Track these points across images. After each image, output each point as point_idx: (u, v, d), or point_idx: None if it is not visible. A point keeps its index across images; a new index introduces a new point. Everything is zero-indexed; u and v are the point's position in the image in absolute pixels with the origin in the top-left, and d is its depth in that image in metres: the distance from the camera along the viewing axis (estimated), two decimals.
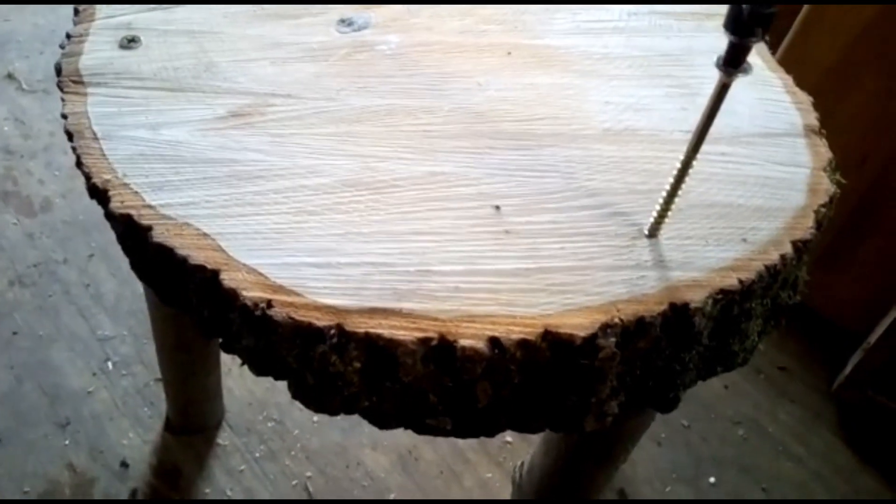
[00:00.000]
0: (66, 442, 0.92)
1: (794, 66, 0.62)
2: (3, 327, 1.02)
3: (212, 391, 0.92)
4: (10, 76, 1.38)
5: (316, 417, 0.97)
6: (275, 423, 0.96)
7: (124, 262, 1.11)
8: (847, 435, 1.02)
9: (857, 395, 1.03)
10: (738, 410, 1.03)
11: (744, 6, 0.32)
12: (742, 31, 0.33)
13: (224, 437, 0.95)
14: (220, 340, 0.48)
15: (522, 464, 0.85)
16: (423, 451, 0.94)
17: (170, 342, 0.81)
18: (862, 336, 1.01)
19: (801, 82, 0.59)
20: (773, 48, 0.65)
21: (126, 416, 0.95)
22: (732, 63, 0.35)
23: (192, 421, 0.93)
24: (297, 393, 0.45)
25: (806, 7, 0.88)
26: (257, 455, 0.93)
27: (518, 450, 0.95)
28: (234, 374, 1.00)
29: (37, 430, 0.92)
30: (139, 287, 1.08)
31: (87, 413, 0.95)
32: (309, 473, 0.92)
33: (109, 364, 1.00)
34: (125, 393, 0.97)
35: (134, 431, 0.94)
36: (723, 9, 0.66)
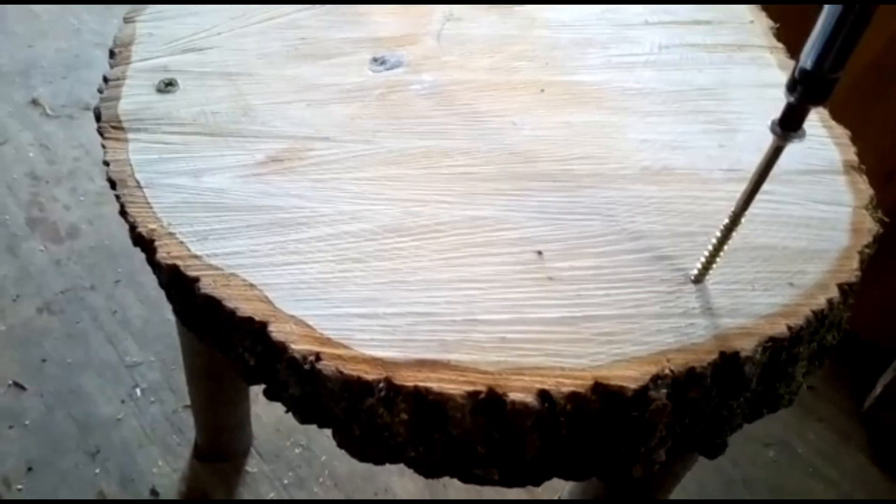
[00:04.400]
0: (97, 471, 0.93)
1: None
2: (32, 355, 1.03)
3: (241, 418, 0.92)
4: (34, 102, 1.40)
5: None
6: (302, 449, 0.96)
7: (151, 287, 1.12)
8: (878, 456, 1.01)
9: (888, 415, 1.01)
10: (768, 432, 1.02)
11: (809, 70, 0.32)
12: (804, 96, 0.33)
13: (252, 464, 0.95)
14: (265, 388, 0.48)
15: (559, 499, 0.85)
16: (450, 480, 0.94)
17: (200, 371, 0.82)
18: (893, 353, 1.00)
19: None
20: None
21: (155, 443, 0.96)
22: (788, 126, 0.35)
23: (221, 448, 0.94)
24: (343, 442, 0.45)
25: None
26: (286, 482, 0.93)
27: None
28: (261, 401, 1.00)
29: (68, 459, 0.93)
30: (166, 312, 1.09)
31: (116, 441, 0.95)
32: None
33: (138, 391, 1.01)
34: (154, 420, 0.98)
35: (163, 459, 0.94)
36: (737, 14, 0.66)
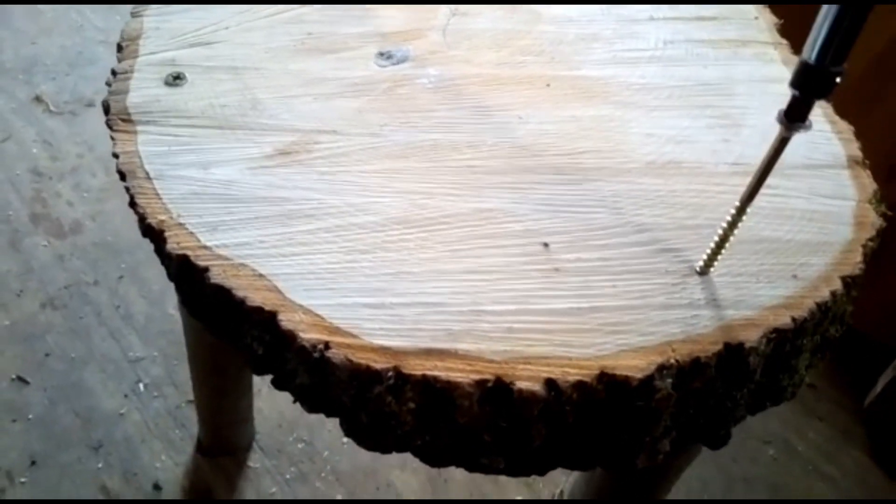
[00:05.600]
0: (100, 465, 0.93)
1: None
2: (36, 349, 1.03)
3: (244, 413, 0.92)
4: (37, 98, 1.40)
5: (345, 438, 0.97)
6: (305, 445, 0.97)
7: (154, 283, 1.13)
8: (878, 454, 1.01)
9: (889, 413, 1.02)
10: (768, 429, 1.02)
11: (812, 64, 0.32)
12: (808, 89, 0.34)
13: (255, 459, 0.95)
14: (272, 378, 0.48)
15: (562, 492, 0.85)
16: (452, 473, 0.94)
17: (204, 365, 0.82)
18: (893, 351, 1.00)
19: None
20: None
21: (158, 438, 0.96)
22: (794, 117, 0.35)
23: (223, 443, 0.94)
24: (350, 431, 0.46)
25: None
26: (288, 477, 0.94)
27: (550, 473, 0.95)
28: (263, 395, 1.00)
29: (70, 453, 0.93)
30: (169, 308, 1.09)
31: (119, 435, 0.96)
32: (339, 495, 0.92)
33: (141, 386, 1.01)
34: (157, 415, 0.98)
35: (166, 454, 0.95)
36: (741, 10, 0.66)
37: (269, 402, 1.00)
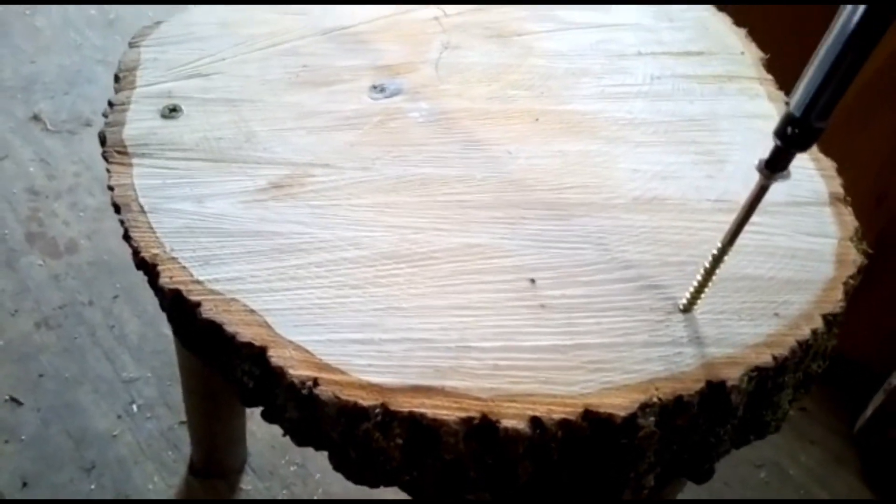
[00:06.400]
0: (92, 486, 0.93)
1: None
2: (30, 369, 1.04)
3: (236, 436, 0.93)
4: (35, 117, 1.41)
5: None
6: (297, 467, 0.97)
7: (148, 303, 1.13)
8: (869, 477, 1.01)
9: (880, 437, 1.02)
10: (759, 453, 1.03)
11: (796, 118, 0.33)
12: (790, 142, 0.35)
13: (247, 482, 0.95)
14: (262, 410, 0.49)
15: None
16: None
17: (197, 388, 0.82)
18: (883, 375, 1.01)
19: None
20: (788, 90, 0.66)
21: (151, 459, 0.96)
22: (774, 167, 0.36)
23: (216, 465, 0.94)
24: (339, 465, 0.46)
25: None
26: (280, 499, 0.94)
27: None
28: (256, 418, 1.00)
29: (63, 474, 0.93)
30: (163, 328, 1.09)
31: (112, 456, 0.96)
32: None
33: (134, 407, 1.01)
34: (150, 436, 0.98)
35: (158, 475, 0.95)
36: (728, 45, 0.68)
37: (261, 424, 1.00)
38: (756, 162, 0.38)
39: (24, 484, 0.92)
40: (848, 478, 1.01)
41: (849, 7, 0.31)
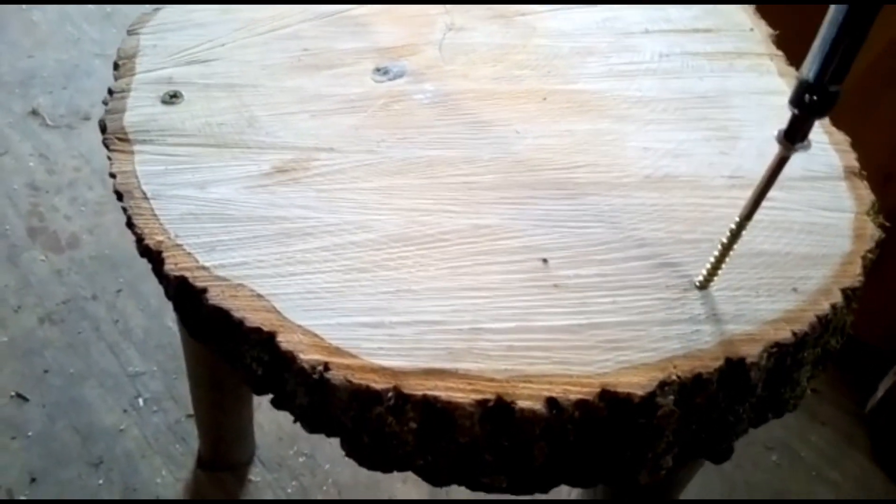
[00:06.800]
0: (100, 481, 0.92)
1: None
2: (34, 365, 1.03)
3: (244, 427, 0.92)
4: (34, 112, 1.40)
5: None
6: (306, 458, 0.96)
7: (152, 296, 1.12)
8: (880, 458, 1.01)
9: (890, 418, 1.02)
10: (770, 435, 1.02)
11: (811, 83, 0.32)
12: (807, 108, 0.34)
13: (256, 473, 0.95)
14: (272, 397, 0.48)
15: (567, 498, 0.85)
16: (454, 486, 0.94)
17: (203, 379, 0.82)
18: (893, 356, 1.00)
19: None
20: (798, 67, 0.65)
21: (158, 453, 0.96)
22: (794, 137, 0.35)
23: (224, 457, 0.94)
24: (351, 451, 0.46)
25: None
26: (289, 491, 0.93)
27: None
28: (263, 409, 1.00)
29: (70, 470, 0.93)
30: (167, 321, 1.09)
31: (119, 451, 0.95)
32: None
33: (140, 401, 1.00)
34: (157, 430, 0.98)
35: (166, 469, 0.94)
36: (737, 22, 0.66)
37: (269, 415, 0.99)
38: (775, 133, 0.37)
39: (33, 479, 0.91)
40: (859, 458, 1.01)
41: None
